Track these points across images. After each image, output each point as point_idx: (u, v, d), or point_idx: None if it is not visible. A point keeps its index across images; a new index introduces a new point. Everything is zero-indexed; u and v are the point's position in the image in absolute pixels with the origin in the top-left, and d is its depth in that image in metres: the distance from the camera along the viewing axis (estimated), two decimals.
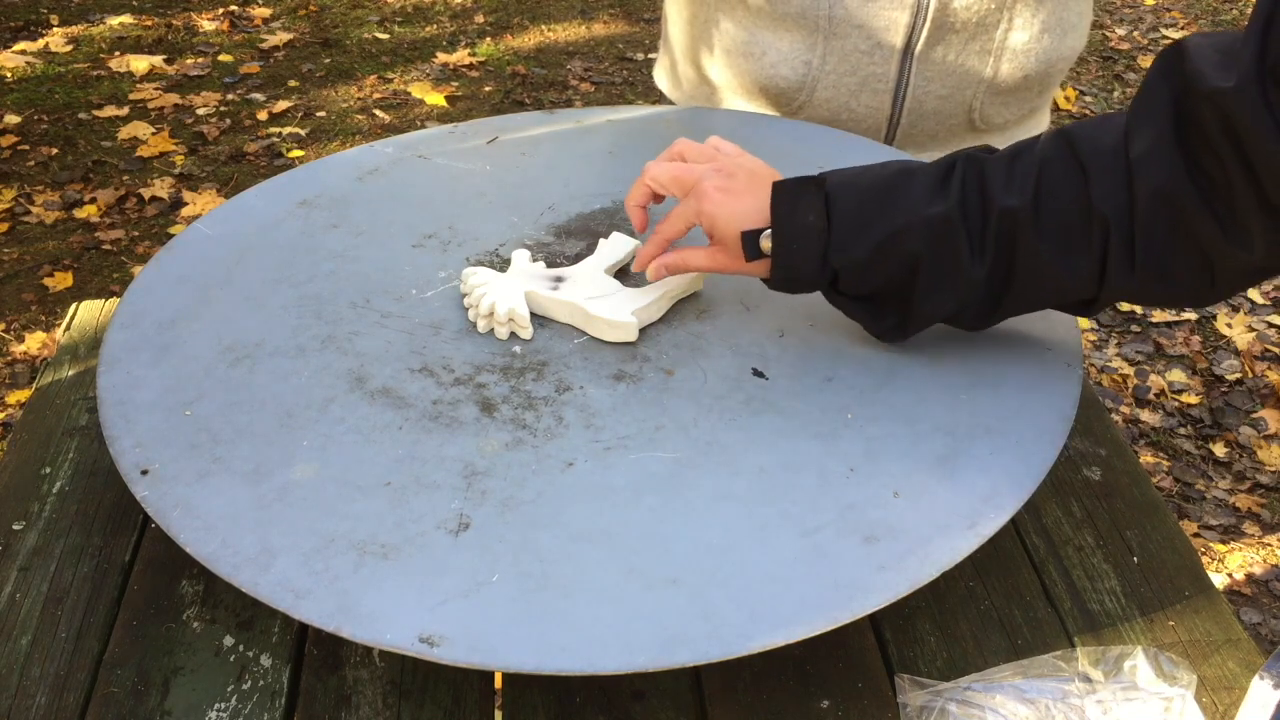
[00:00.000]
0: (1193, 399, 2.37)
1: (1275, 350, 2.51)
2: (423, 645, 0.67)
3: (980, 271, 0.81)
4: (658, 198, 0.93)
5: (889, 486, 0.77)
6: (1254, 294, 2.68)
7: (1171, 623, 0.80)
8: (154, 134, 3.12)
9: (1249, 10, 4.12)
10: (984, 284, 0.82)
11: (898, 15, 1.10)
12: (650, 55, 3.74)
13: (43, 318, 2.47)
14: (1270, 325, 2.58)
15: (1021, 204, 0.79)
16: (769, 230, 0.83)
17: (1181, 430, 2.30)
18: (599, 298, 0.91)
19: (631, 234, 1.01)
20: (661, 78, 1.39)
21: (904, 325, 0.87)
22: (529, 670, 0.66)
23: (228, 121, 3.21)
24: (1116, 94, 3.58)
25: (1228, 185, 0.71)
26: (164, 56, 3.53)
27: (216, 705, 0.73)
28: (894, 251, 0.81)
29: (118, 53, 3.56)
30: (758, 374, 0.87)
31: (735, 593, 0.70)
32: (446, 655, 0.66)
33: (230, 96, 3.34)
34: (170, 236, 2.63)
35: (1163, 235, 0.75)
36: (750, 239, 0.84)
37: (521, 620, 0.68)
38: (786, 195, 0.83)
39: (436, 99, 3.34)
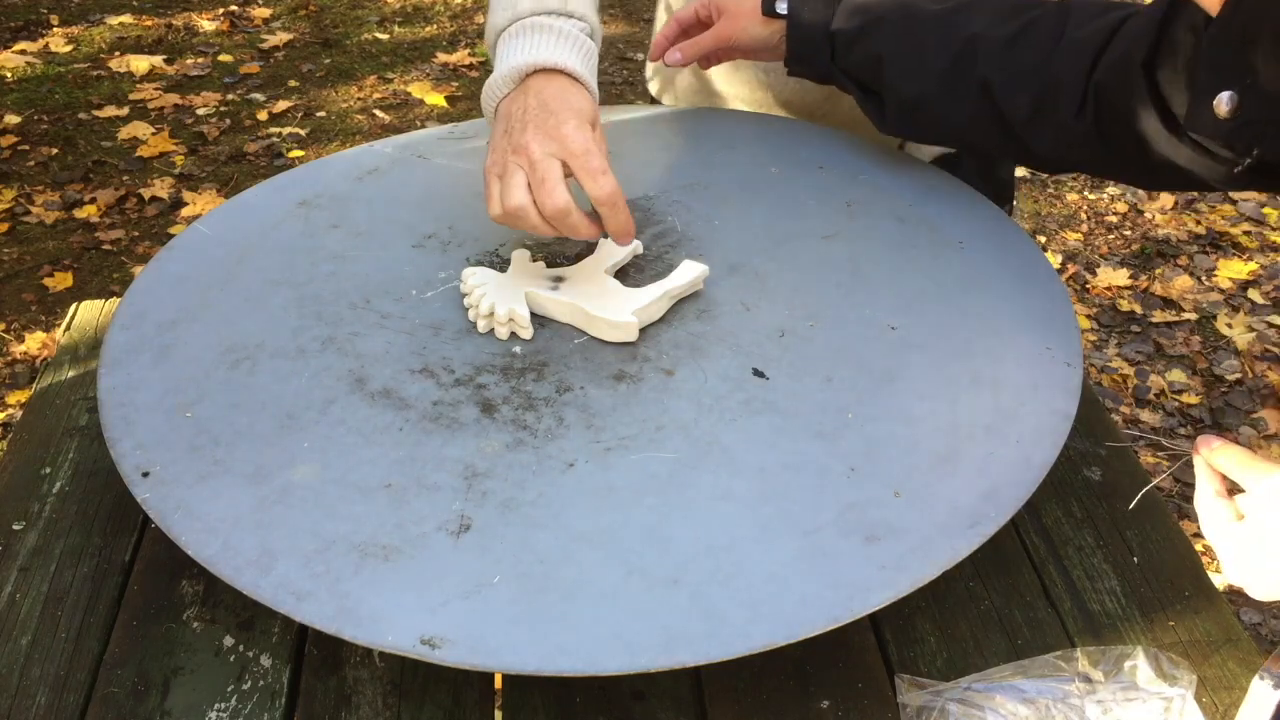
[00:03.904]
0: (1192, 399, 2.37)
1: (1275, 350, 2.51)
2: (424, 647, 0.67)
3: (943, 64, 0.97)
4: (684, 34, 1.11)
5: (889, 486, 0.77)
6: (1254, 294, 2.68)
7: (1171, 623, 0.80)
8: (154, 134, 3.12)
9: None
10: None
11: None
12: None
13: (42, 318, 2.47)
14: (1270, 325, 2.58)
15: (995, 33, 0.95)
16: None
17: (1181, 430, 2.30)
18: (599, 298, 0.91)
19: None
20: (654, 83, 1.39)
21: (883, 109, 1.04)
22: (530, 671, 0.66)
23: (228, 121, 3.21)
24: None
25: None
26: (164, 56, 3.53)
27: (216, 705, 0.73)
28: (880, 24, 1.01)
29: (118, 53, 3.55)
30: (758, 374, 0.87)
31: (736, 592, 0.70)
32: (448, 657, 0.66)
33: (230, 96, 3.34)
34: (170, 237, 2.62)
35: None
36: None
37: (523, 621, 0.68)
38: None
39: (436, 99, 3.34)
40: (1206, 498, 0.70)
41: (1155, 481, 0.76)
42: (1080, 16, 0.92)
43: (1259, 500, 0.67)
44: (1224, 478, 0.70)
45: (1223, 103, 0.72)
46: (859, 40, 1.02)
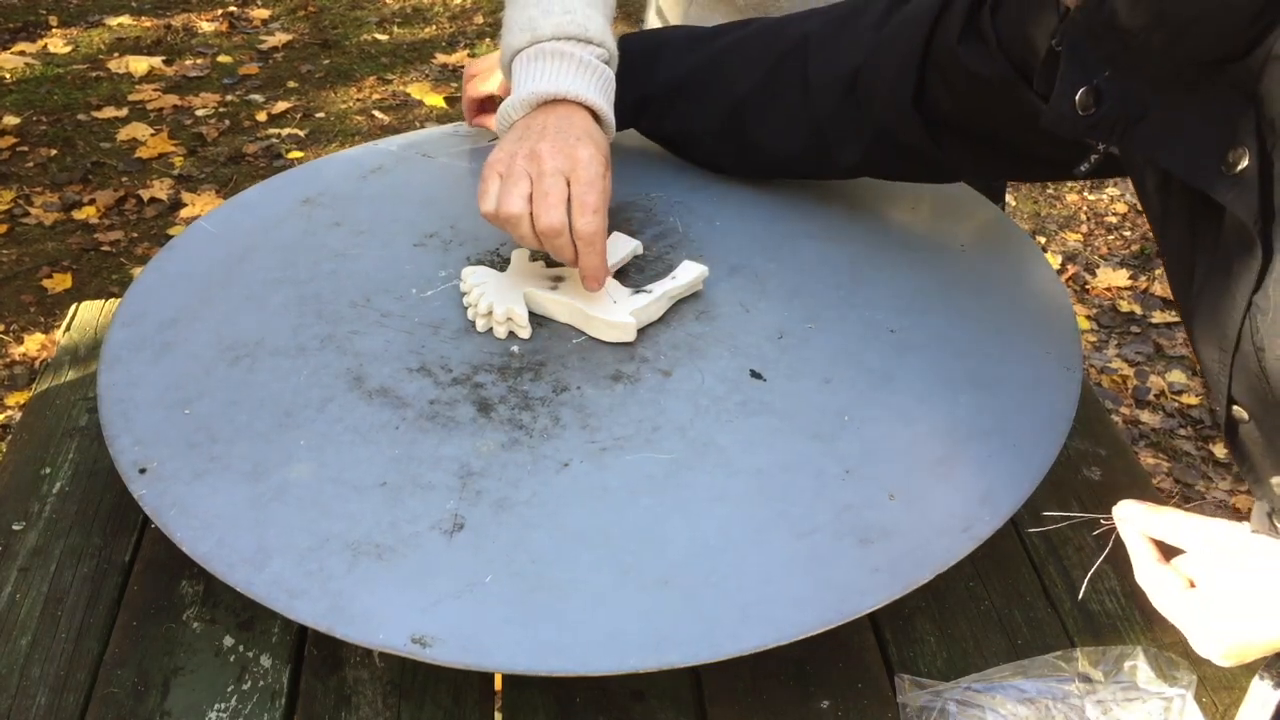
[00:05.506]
0: (1192, 400, 2.37)
1: None
2: (415, 646, 0.67)
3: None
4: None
5: (885, 488, 0.77)
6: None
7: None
8: (153, 135, 3.12)
9: None
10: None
11: None
12: None
13: (41, 319, 2.46)
14: None
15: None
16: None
17: (1181, 431, 2.30)
18: (598, 298, 0.91)
19: (632, 234, 1.01)
20: None
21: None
22: (521, 671, 0.66)
23: (227, 123, 3.21)
24: None
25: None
26: (163, 57, 3.53)
27: (216, 705, 0.73)
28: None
29: (116, 54, 3.55)
30: (756, 375, 0.87)
31: (728, 593, 0.70)
32: (439, 656, 0.66)
33: (229, 97, 3.34)
34: (169, 238, 2.62)
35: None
36: None
37: (514, 621, 0.68)
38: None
39: (436, 100, 3.34)
40: (1148, 569, 0.66)
41: (1099, 561, 0.75)
42: (817, 50, 0.96)
43: (1204, 560, 0.64)
44: (1156, 543, 0.67)
45: (1081, 96, 0.71)
46: (646, 117, 1.07)
